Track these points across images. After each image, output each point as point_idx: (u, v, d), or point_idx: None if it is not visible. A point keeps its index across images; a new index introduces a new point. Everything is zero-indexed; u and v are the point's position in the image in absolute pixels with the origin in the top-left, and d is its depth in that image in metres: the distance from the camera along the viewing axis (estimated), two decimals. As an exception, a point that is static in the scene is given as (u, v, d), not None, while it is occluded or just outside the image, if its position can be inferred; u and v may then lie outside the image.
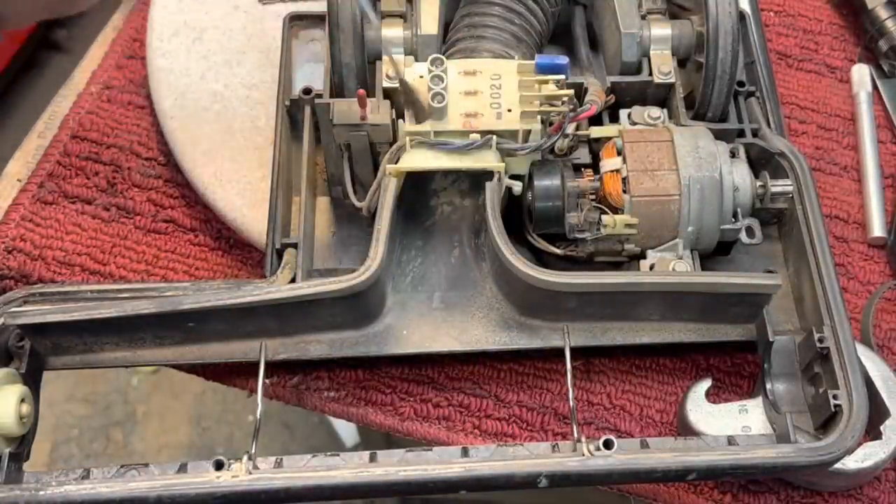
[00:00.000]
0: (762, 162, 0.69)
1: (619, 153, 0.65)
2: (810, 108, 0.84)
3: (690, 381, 0.68)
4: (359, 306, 0.63)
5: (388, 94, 0.66)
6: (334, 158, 0.68)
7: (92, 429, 1.46)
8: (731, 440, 0.59)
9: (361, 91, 0.62)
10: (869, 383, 0.64)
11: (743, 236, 0.66)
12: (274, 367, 0.70)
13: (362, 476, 0.56)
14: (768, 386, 0.62)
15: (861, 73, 0.85)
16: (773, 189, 0.66)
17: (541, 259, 0.67)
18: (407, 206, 0.65)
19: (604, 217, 0.63)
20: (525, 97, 0.62)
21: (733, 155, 0.67)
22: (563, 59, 0.62)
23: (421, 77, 0.62)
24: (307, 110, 0.71)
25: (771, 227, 0.69)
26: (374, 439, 1.26)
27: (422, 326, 0.65)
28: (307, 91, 0.71)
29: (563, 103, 0.62)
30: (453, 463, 0.56)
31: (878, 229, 0.77)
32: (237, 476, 0.56)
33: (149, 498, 0.55)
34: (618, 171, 0.64)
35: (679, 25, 0.71)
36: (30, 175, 0.79)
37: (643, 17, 0.72)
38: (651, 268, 0.64)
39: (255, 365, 0.63)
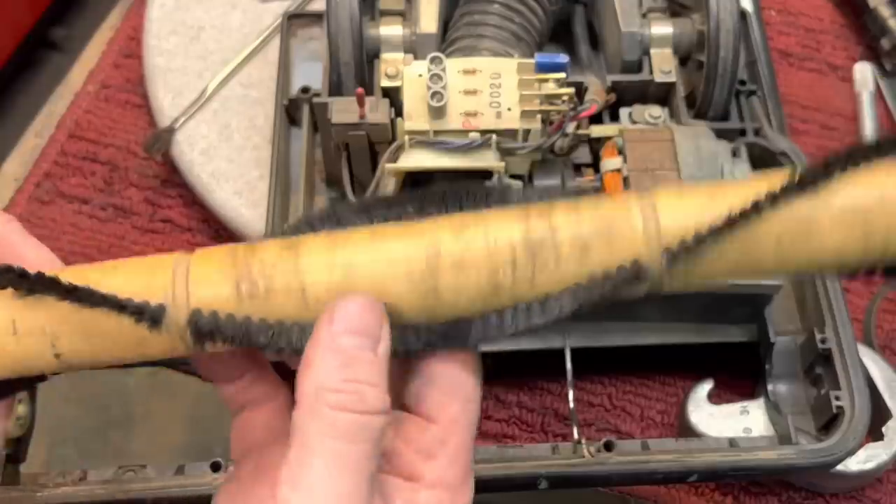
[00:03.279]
0: (764, 161, 0.68)
1: (620, 152, 0.64)
2: (812, 107, 0.83)
3: (691, 382, 0.68)
4: (357, 307, 0.62)
5: (386, 92, 0.66)
6: (333, 158, 0.68)
7: (89, 430, 1.45)
8: (732, 441, 0.59)
9: (360, 90, 0.62)
10: (871, 385, 0.63)
11: (744, 236, 0.66)
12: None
13: (361, 478, 0.56)
14: (770, 387, 0.62)
15: (863, 72, 0.84)
16: (775, 189, 0.66)
17: (541, 259, 0.67)
18: (406, 205, 0.65)
19: (604, 217, 0.62)
20: (525, 96, 0.62)
21: (735, 154, 0.67)
22: (564, 58, 0.62)
23: (420, 76, 0.62)
24: (305, 109, 0.70)
25: (772, 227, 0.69)
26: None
27: (421, 327, 0.64)
28: (305, 90, 0.71)
29: (563, 102, 0.62)
30: (453, 465, 0.56)
31: (879, 229, 0.76)
32: (235, 478, 0.55)
33: (146, 499, 0.55)
34: (618, 170, 0.63)
35: (680, 24, 0.71)
36: (27, 175, 0.79)
37: (644, 16, 0.71)
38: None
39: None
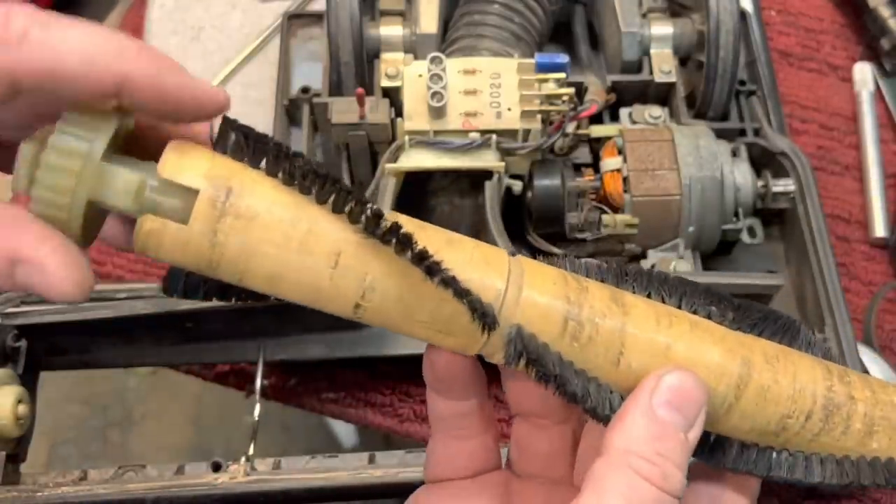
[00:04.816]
0: (764, 161, 0.68)
1: (620, 152, 0.64)
2: (812, 108, 0.83)
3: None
4: (358, 307, 0.62)
5: (386, 92, 0.66)
6: (333, 158, 0.68)
7: (89, 430, 1.45)
8: (732, 441, 0.59)
9: (360, 90, 0.62)
10: (871, 384, 0.63)
11: (744, 236, 0.66)
12: (272, 368, 0.69)
13: (361, 477, 0.56)
14: (770, 387, 0.62)
15: (863, 72, 0.84)
16: (775, 188, 0.66)
17: (541, 259, 0.67)
18: (406, 205, 0.65)
19: (604, 217, 0.63)
20: (525, 96, 0.62)
21: (735, 154, 0.67)
22: (564, 58, 0.62)
23: (420, 76, 0.62)
24: (305, 109, 0.70)
25: (772, 227, 0.69)
26: (373, 440, 1.25)
27: (421, 327, 0.64)
28: (305, 90, 0.71)
29: (563, 102, 0.62)
30: (453, 464, 0.56)
31: (880, 229, 0.76)
32: (235, 478, 0.55)
33: (146, 499, 0.55)
34: (618, 170, 0.63)
35: (680, 24, 0.71)
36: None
37: (644, 16, 0.71)
38: (652, 268, 0.63)
39: (254, 366, 0.63)
